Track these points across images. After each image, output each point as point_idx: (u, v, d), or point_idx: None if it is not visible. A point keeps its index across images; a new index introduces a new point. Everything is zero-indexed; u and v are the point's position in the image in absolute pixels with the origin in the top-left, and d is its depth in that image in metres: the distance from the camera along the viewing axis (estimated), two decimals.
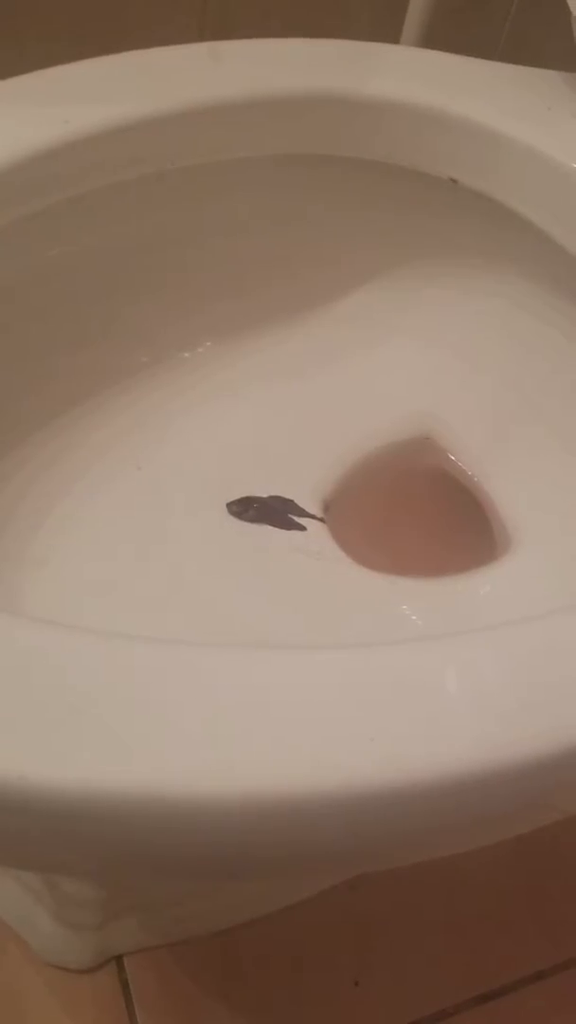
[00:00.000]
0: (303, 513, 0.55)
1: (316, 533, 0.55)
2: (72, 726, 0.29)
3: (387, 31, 0.70)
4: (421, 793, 0.30)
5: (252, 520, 0.54)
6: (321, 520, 0.55)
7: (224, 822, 0.29)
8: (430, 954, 0.64)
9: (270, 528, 0.54)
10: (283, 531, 0.54)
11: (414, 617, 0.53)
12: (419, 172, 0.55)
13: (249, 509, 0.55)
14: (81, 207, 0.49)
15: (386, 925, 0.64)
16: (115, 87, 0.48)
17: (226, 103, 0.50)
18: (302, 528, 0.55)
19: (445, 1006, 0.62)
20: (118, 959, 0.60)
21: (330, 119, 0.53)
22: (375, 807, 0.30)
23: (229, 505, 0.55)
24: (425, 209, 0.58)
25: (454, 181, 0.54)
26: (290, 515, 0.55)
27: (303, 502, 0.56)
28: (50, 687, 0.29)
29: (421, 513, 0.59)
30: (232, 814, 0.29)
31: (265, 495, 0.55)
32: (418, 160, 0.54)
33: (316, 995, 0.61)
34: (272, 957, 0.62)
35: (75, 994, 0.59)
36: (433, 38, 0.68)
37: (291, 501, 0.56)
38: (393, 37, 0.69)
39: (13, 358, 0.53)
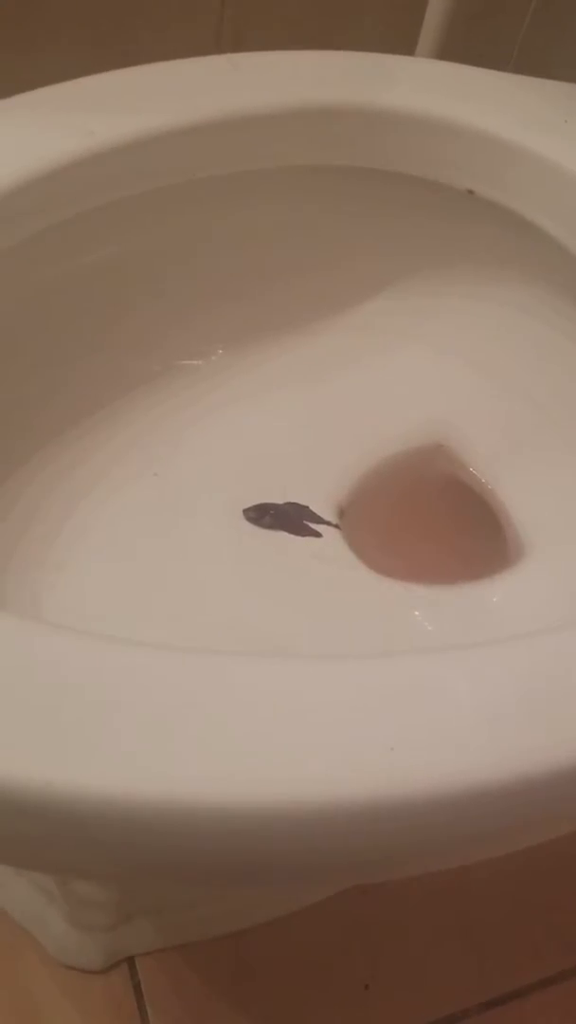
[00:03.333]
0: (318, 519, 0.56)
1: (331, 539, 0.55)
2: (96, 733, 0.29)
3: (401, 42, 0.70)
4: (440, 803, 0.30)
5: (268, 527, 0.55)
6: (336, 527, 0.56)
7: (246, 830, 0.29)
8: (439, 959, 0.64)
9: (286, 534, 0.55)
10: (299, 537, 0.55)
11: (427, 624, 0.53)
12: (436, 183, 0.55)
13: (265, 515, 0.55)
14: (102, 218, 0.49)
15: (396, 929, 0.65)
16: (138, 99, 0.49)
17: (246, 115, 0.50)
18: (317, 535, 0.55)
19: (454, 1011, 0.63)
20: (130, 960, 0.61)
21: (348, 131, 0.53)
22: (395, 816, 0.30)
23: (246, 511, 0.55)
24: (440, 218, 0.58)
25: (471, 192, 0.54)
26: (305, 521, 0.55)
27: (318, 508, 0.56)
28: (75, 694, 0.30)
29: (434, 520, 0.59)
30: (253, 822, 0.29)
31: (281, 502, 0.56)
32: (435, 171, 0.55)
33: (326, 998, 0.62)
34: (283, 959, 0.62)
35: (88, 995, 0.59)
36: (447, 50, 0.68)
37: (306, 507, 0.56)
38: (407, 48, 0.70)
39: (32, 366, 0.54)
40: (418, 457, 0.60)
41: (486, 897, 0.67)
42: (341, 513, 0.57)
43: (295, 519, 0.55)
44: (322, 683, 0.32)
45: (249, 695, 0.31)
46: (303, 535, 0.55)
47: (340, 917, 0.64)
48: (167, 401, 0.59)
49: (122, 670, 0.31)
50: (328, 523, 0.56)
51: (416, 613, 0.53)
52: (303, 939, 0.63)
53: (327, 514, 0.56)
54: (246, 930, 0.63)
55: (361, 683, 0.32)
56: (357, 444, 0.60)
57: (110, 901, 0.58)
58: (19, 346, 0.53)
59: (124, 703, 0.30)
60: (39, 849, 0.32)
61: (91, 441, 0.56)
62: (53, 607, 0.48)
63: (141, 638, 0.32)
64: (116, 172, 0.48)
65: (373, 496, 0.58)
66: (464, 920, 0.66)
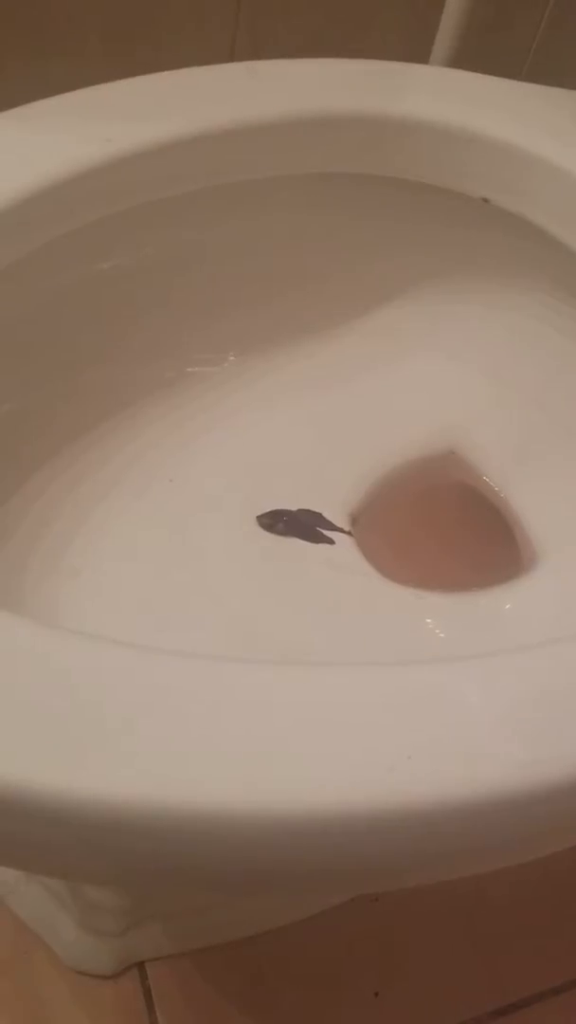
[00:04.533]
0: (331, 526, 0.56)
1: (344, 546, 0.55)
2: (112, 739, 0.29)
3: (416, 50, 0.70)
4: (456, 812, 0.30)
5: (281, 533, 0.55)
6: (349, 533, 0.56)
7: (260, 838, 0.29)
8: (450, 966, 0.64)
9: (299, 541, 0.55)
10: (312, 544, 0.55)
11: (438, 631, 0.53)
12: (450, 190, 0.55)
13: (279, 522, 0.55)
14: (118, 225, 0.50)
15: (407, 937, 0.65)
16: (156, 106, 0.49)
17: (262, 123, 0.50)
18: (330, 541, 0.55)
19: (464, 1018, 0.63)
20: (140, 966, 0.61)
21: (363, 139, 0.54)
22: (411, 825, 0.30)
23: (259, 518, 0.55)
24: (454, 226, 0.58)
25: (486, 200, 0.54)
26: (318, 528, 0.56)
27: (331, 515, 0.56)
28: (90, 700, 0.30)
29: (447, 527, 0.59)
30: (269, 831, 0.29)
31: (294, 508, 0.56)
32: (449, 179, 0.55)
33: (336, 1005, 0.62)
34: (293, 966, 0.62)
35: (98, 1000, 0.59)
36: (461, 58, 0.68)
37: (319, 514, 0.56)
38: (422, 56, 0.70)
39: (46, 372, 0.54)
40: (431, 464, 0.60)
41: (497, 905, 0.67)
42: (354, 520, 0.57)
43: (308, 526, 0.55)
44: (336, 691, 0.32)
45: (263, 702, 0.31)
46: (316, 542, 0.55)
47: (351, 924, 0.64)
48: (180, 408, 0.59)
49: (136, 676, 0.31)
50: (341, 530, 0.56)
51: (428, 621, 0.53)
52: (314, 946, 0.63)
53: (340, 521, 0.56)
54: (256, 936, 0.63)
55: (375, 691, 0.32)
56: (370, 451, 0.60)
57: (121, 906, 0.58)
58: (35, 352, 0.53)
59: (139, 709, 0.30)
60: (52, 853, 0.32)
61: (105, 448, 0.56)
62: (68, 613, 0.48)
63: (155, 644, 0.32)
64: (132, 179, 0.48)
65: (386, 503, 0.58)
66: (475, 928, 0.66)
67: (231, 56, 0.67)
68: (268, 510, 0.56)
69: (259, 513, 0.55)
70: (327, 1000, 0.62)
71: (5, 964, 0.60)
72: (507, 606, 0.54)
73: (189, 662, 0.32)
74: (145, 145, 0.47)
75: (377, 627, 0.53)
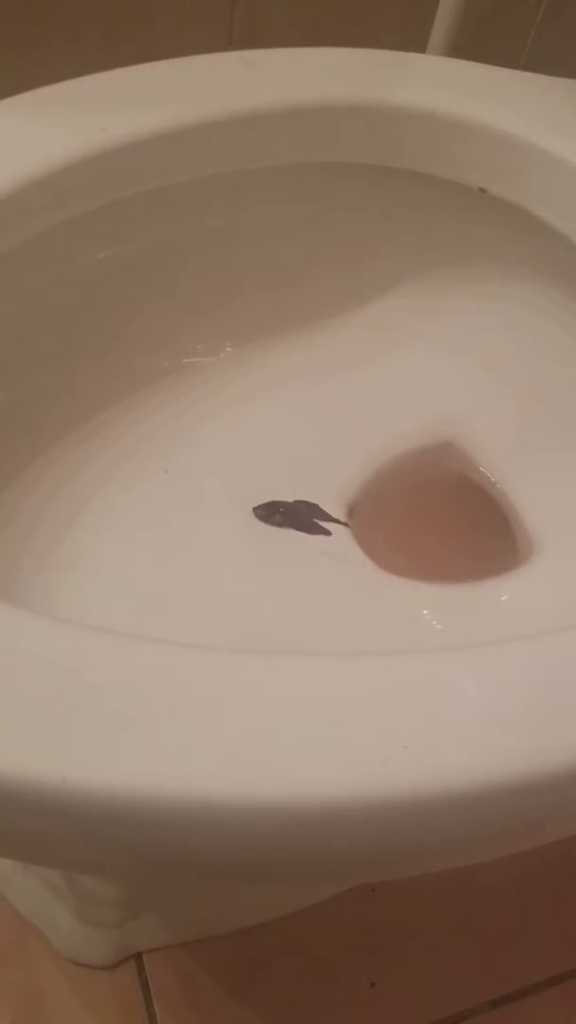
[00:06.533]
0: (328, 518, 0.56)
1: (340, 538, 0.55)
2: (110, 729, 0.29)
3: (412, 40, 0.70)
4: (453, 801, 0.30)
5: (278, 524, 0.55)
6: (345, 525, 0.56)
7: (257, 828, 0.29)
8: (447, 956, 0.64)
9: (295, 532, 0.55)
10: (308, 535, 0.55)
11: (435, 623, 0.53)
12: (448, 180, 0.55)
13: (275, 513, 0.55)
14: (113, 215, 0.50)
15: (403, 927, 0.65)
16: (150, 95, 0.49)
17: (257, 112, 0.50)
18: (327, 533, 0.55)
19: (461, 1009, 0.63)
20: (138, 957, 0.61)
21: (360, 128, 0.53)
22: (408, 815, 0.30)
23: (255, 509, 0.55)
24: (453, 216, 0.58)
25: (483, 190, 0.54)
26: (315, 519, 0.55)
27: (328, 507, 0.56)
28: (87, 690, 0.30)
29: (444, 519, 0.59)
30: (265, 820, 0.29)
31: (291, 499, 0.56)
32: (447, 169, 0.55)
33: (333, 995, 0.62)
34: (290, 957, 0.62)
35: (95, 991, 0.59)
36: (458, 47, 0.68)
37: (316, 505, 0.56)
38: (419, 46, 0.70)
39: (42, 363, 0.54)
40: (428, 455, 0.60)
41: (493, 894, 0.67)
42: (351, 511, 0.57)
43: (305, 517, 0.55)
44: (334, 681, 0.32)
45: (259, 693, 0.31)
46: (313, 533, 0.55)
47: (348, 915, 0.64)
48: (176, 399, 0.59)
49: (133, 667, 0.31)
50: (338, 521, 0.56)
51: (425, 612, 0.53)
52: (310, 936, 0.63)
53: (337, 512, 0.56)
54: (253, 927, 0.63)
55: (372, 682, 0.32)
56: (367, 442, 0.60)
57: (118, 897, 0.58)
58: (30, 342, 0.53)
59: (136, 699, 0.30)
60: (50, 844, 0.32)
61: (100, 439, 0.56)
62: (64, 604, 0.48)
63: (151, 635, 0.32)
64: (126, 169, 0.48)
65: (383, 494, 0.58)
66: (471, 918, 0.66)
67: (228, 45, 0.67)
68: (264, 501, 0.55)
69: (255, 504, 0.55)
70: (324, 990, 0.62)
71: (2, 955, 0.60)
72: (504, 597, 0.54)
73: (185, 653, 0.32)
74: (139, 135, 0.47)
75: (373, 618, 0.53)
